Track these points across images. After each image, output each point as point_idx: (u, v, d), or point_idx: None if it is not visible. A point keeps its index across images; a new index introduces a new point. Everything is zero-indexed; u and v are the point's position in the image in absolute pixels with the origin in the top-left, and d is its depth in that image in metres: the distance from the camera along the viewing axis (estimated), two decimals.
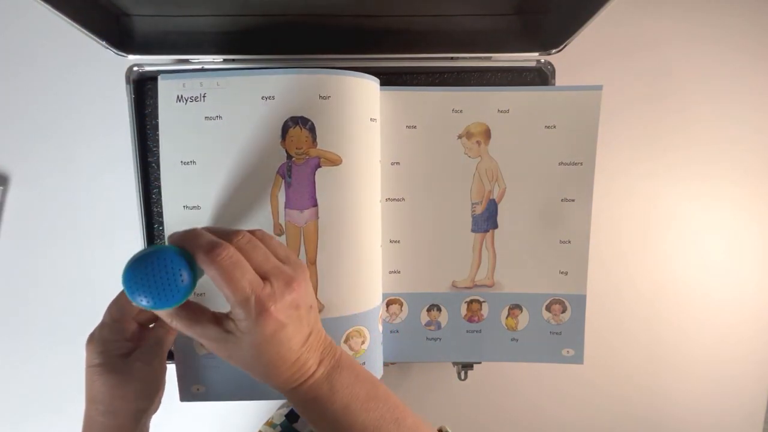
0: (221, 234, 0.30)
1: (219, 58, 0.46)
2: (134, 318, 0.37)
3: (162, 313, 0.30)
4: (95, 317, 0.36)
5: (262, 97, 0.40)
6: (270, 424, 0.52)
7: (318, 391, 0.31)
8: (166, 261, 0.27)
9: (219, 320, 0.30)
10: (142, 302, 0.27)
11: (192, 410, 0.42)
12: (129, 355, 0.35)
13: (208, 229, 0.30)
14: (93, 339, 0.35)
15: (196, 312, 0.30)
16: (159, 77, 0.40)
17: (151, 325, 0.38)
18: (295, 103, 0.40)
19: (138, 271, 0.27)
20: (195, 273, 0.28)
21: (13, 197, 0.53)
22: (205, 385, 0.42)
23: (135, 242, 0.47)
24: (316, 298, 0.42)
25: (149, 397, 0.36)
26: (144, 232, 0.47)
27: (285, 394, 0.32)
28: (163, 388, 0.38)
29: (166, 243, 0.30)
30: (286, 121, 0.40)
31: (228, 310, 0.30)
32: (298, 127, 0.40)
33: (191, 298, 0.30)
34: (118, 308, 0.36)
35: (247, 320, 0.28)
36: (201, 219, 0.41)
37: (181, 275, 0.27)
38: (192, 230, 0.29)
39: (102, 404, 0.34)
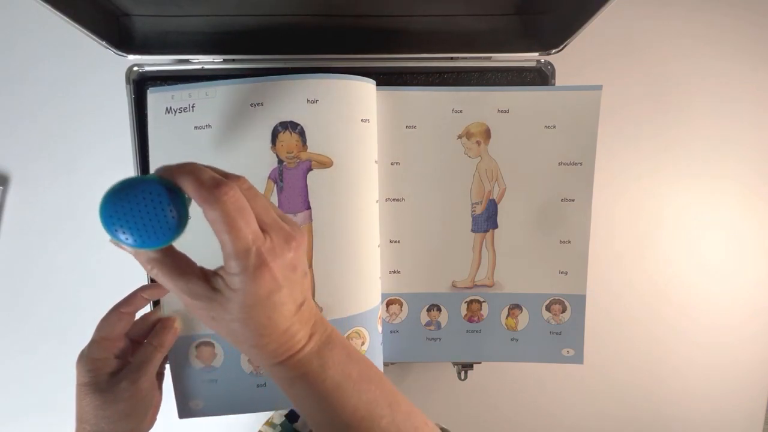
0: (219, 173, 0.26)
1: (219, 58, 0.46)
2: (125, 334, 0.36)
3: (143, 259, 0.26)
4: (95, 318, 0.36)
5: (251, 104, 0.40)
6: (270, 424, 0.52)
7: (307, 367, 0.28)
8: (152, 193, 0.24)
9: (206, 276, 0.27)
10: (123, 238, 0.23)
11: None
12: (118, 373, 0.35)
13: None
14: (82, 357, 0.35)
15: (181, 262, 0.27)
16: (148, 91, 0.40)
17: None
18: (283, 108, 0.40)
19: (119, 202, 0.23)
20: (185, 211, 0.25)
21: (13, 197, 0.53)
22: (203, 400, 0.41)
23: None
24: (314, 301, 0.42)
25: (137, 418, 0.35)
26: None
27: (269, 369, 0.29)
28: (157, 406, 0.38)
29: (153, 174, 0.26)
30: (275, 127, 0.40)
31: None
32: (287, 132, 0.40)
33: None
34: (107, 325, 0.36)
35: (242, 275, 0.25)
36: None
37: (170, 210, 0.24)
38: (190, 163, 0.25)
39: (88, 424, 0.34)
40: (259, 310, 0.26)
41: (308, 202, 0.41)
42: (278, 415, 0.52)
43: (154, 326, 0.38)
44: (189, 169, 0.25)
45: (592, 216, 0.45)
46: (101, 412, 0.33)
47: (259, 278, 0.25)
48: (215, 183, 0.24)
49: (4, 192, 0.53)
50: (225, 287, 0.26)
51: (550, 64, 0.48)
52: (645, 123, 0.56)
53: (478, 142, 0.45)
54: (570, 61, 0.48)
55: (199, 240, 0.26)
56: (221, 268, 0.26)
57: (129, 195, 0.23)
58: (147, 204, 0.23)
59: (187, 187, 0.24)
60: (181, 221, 0.25)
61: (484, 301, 0.47)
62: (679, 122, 0.56)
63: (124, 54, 0.45)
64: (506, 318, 0.47)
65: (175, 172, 0.25)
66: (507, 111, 0.45)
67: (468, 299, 0.47)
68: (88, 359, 0.34)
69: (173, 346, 0.39)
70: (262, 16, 0.44)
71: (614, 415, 0.60)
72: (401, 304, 0.47)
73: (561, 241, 0.46)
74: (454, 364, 0.51)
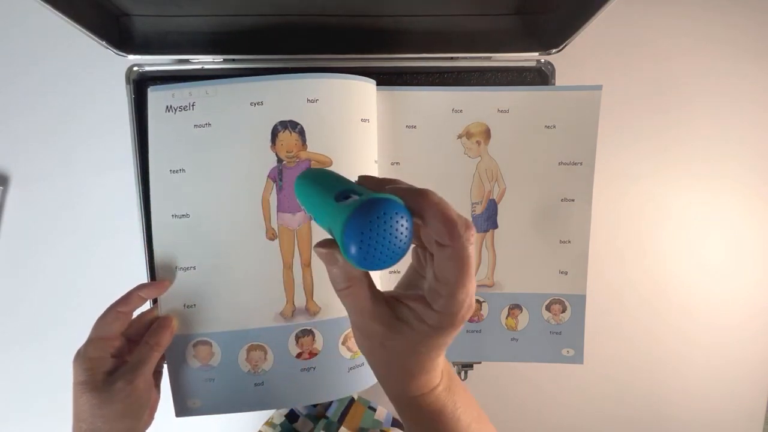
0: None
1: (219, 58, 0.46)
2: (122, 333, 0.37)
3: (344, 275, 0.25)
4: (94, 316, 0.36)
5: (251, 103, 0.40)
6: (270, 424, 0.52)
7: (443, 403, 0.27)
8: (398, 216, 0.22)
9: (388, 301, 0.25)
10: (352, 252, 0.22)
11: None
12: (115, 372, 0.35)
13: None
14: (79, 356, 0.35)
15: (373, 283, 0.25)
16: (148, 89, 0.40)
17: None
18: (283, 107, 0.40)
19: (366, 219, 0.22)
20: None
21: (13, 197, 0.53)
22: (201, 399, 0.41)
23: (135, 242, 0.47)
24: (313, 301, 0.42)
25: (134, 416, 0.35)
26: (144, 232, 0.47)
27: (404, 403, 0.27)
28: (154, 405, 0.38)
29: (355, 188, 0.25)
30: (275, 126, 0.40)
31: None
32: (287, 131, 0.40)
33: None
34: (104, 324, 0.36)
35: (450, 316, 0.23)
36: (190, 227, 0.40)
37: (408, 236, 0.22)
38: (431, 192, 0.23)
39: (85, 422, 0.34)
40: (440, 346, 0.25)
41: None
42: (278, 415, 0.52)
43: (150, 325, 0.38)
44: (436, 200, 0.23)
45: (592, 216, 0.45)
46: (98, 410, 0.33)
47: (463, 322, 0.24)
48: (465, 223, 0.22)
49: (4, 192, 0.53)
50: (414, 319, 0.24)
51: (550, 64, 0.48)
52: (645, 123, 0.56)
53: (478, 142, 0.45)
54: (570, 61, 0.48)
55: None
56: (407, 296, 0.25)
57: (374, 217, 0.22)
58: (389, 227, 0.22)
59: (435, 219, 0.22)
60: (409, 246, 0.23)
61: (484, 301, 0.47)
62: (679, 122, 0.56)
63: (124, 54, 0.45)
64: (506, 318, 0.47)
65: (420, 200, 0.23)
66: (507, 111, 0.45)
67: None
68: (84, 358, 0.34)
69: (170, 345, 0.39)
70: (262, 16, 0.45)
71: (614, 415, 0.60)
72: None
73: (561, 241, 0.46)
74: (454, 364, 0.51)
